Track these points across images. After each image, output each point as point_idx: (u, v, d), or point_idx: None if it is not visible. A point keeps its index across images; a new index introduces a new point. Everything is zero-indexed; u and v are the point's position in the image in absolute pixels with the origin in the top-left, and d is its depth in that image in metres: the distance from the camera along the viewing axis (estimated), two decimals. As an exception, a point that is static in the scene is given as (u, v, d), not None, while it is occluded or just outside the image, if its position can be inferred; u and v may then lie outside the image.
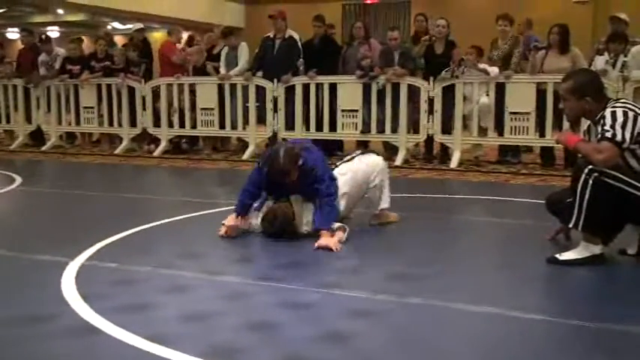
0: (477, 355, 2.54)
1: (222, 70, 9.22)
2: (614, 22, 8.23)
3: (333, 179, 4.37)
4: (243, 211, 4.38)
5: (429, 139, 8.53)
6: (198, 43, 10.38)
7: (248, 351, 2.51)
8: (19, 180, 6.98)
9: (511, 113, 7.85)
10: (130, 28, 11.15)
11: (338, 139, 8.98)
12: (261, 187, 4.39)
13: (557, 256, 3.69)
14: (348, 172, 4.54)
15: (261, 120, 9.14)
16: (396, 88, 8.28)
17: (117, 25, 20.47)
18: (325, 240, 4.04)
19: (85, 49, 10.84)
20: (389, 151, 8.74)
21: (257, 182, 4.39)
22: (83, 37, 11.65)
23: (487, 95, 7.94)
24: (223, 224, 4.38)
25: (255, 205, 4.43)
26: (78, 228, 4.70)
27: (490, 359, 2.50)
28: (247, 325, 2.77)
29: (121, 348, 2.54)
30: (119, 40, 13.55)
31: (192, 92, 9.41)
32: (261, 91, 9.00)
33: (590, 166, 3.48)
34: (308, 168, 4.27)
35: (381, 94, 8.38)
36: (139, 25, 10.53)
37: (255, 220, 4.37)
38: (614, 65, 7.63)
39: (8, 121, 10.89)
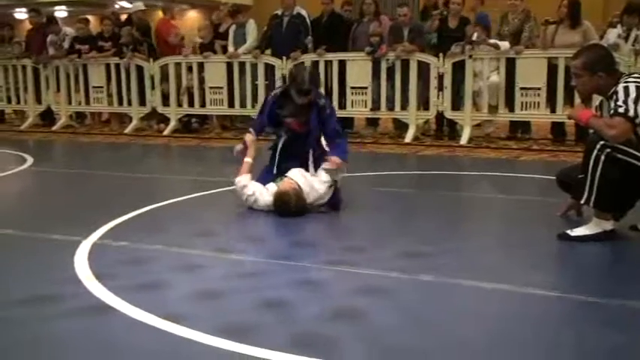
0: (489, 332, 2.55)
1: (231, 49, 9.18)
2: (629, -6, 8.11)
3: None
4: (260, 129, 4.77)
5: (440, 116, 8.49)
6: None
7: (262, 329, 2.53)
8: (30, 160, 7.02)
9: (522, 89, 7.78)
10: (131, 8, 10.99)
11: (348, 116, 8.94)
12: (269, 116, 4.63)
13: (568, 232, 3.69)
14: None
15: (270, 98, 9.10)
16: (405, 64, 8.23)
17: (125, 4, 20.36)
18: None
19: (92, 29, 10.81)
20: (399, 128, 8.72)
21: (265, 112, 4.67)
22: (89, 17, 11.56)
23: (497, 73, 7.87)
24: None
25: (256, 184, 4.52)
26: (89, 207, 4.73)
27: (502, 335, 2.51)
28: (260, 303, 2.78)
29: (136, 327, 2.56)
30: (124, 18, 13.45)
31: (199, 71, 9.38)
32: (270, 69, 8.97)
33: (602, 142, 3.46)
34: (322, 102, 4.55)
35: (390, 70, 8.33)
36: (140, 6, 10.41)
37: (268, 197, 4.37)
38: (626, 39, 7.54)
39: (18, 102, 10.92)
